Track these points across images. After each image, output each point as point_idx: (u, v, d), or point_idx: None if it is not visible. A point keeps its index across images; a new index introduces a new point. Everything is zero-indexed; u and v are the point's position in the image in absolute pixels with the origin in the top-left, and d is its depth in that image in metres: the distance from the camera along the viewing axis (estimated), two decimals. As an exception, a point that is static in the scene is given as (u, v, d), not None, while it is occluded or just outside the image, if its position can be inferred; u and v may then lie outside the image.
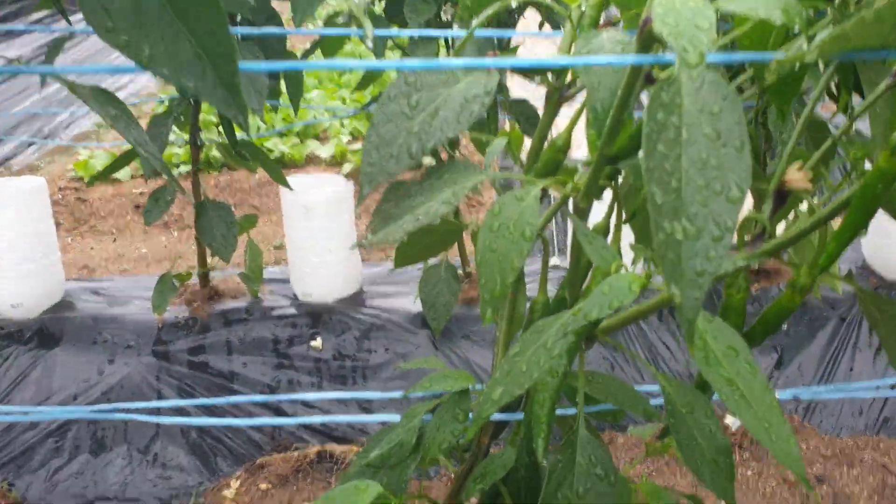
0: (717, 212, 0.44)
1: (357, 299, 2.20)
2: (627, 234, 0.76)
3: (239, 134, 1.97)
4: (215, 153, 3.81)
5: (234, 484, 1.94)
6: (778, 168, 0.68)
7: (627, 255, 0.69)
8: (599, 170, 0.63)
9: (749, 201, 0.58)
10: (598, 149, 0.62)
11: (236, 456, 1.98)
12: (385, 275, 2.37)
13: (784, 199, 0.70)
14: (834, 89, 0.74)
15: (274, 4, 1.73)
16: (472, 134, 1.46)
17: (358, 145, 3.93)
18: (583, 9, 0.69)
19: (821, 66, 0.67)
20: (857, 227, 0.58)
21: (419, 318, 2.10)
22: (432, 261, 2.14)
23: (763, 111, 1.18)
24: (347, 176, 3.86)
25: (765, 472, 1.87)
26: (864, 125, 0.69)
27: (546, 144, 0.75)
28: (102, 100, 0.62)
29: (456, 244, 2.27)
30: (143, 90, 5.26)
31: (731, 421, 1.85)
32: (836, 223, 0.62)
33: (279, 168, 2.03)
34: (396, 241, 0.63)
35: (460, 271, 2.23)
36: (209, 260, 2.18)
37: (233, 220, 2.05)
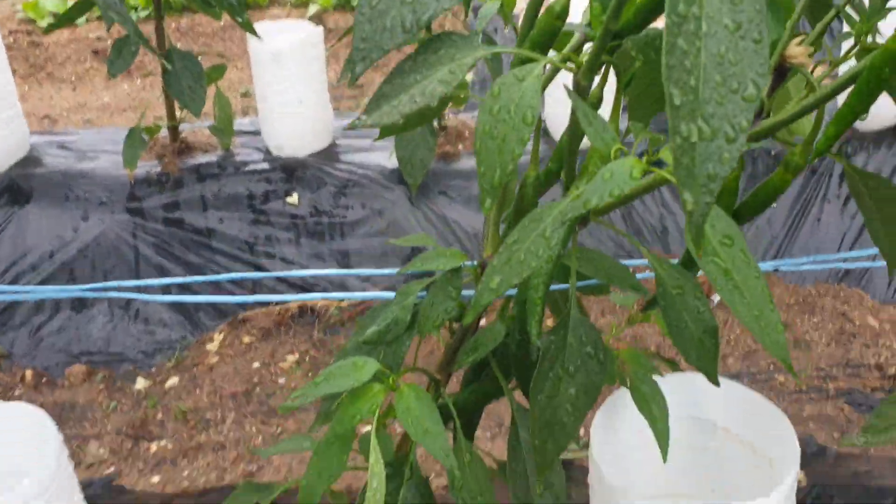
0: (733, 112, 0.43)
1: (331, 153, 2.18)
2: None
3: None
4: (175, -5, 3.63)
5: (218, 338, 1.99)
6: (779, 43, 0.66)
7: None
8: (603, 46, 0.61)
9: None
10: (604, 24, 0.59)
11: (218, 311, 2.01)
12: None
13: (784, 74, 0.68)
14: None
15: None
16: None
17: (324, -14, 3.76)
18: None
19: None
20: (859, 111, 0.58)
21: (395, 173, 2.08)
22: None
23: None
24: (312, 19, 3.71)
25: (730, 320, 1.95)
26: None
27: (543, 10, 0.71)
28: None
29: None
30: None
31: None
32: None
33: (244, 12, 1.93)
34: (391, 123, 0.61)
35: (436, 124, 2.20)
36: (178, 112, 2.13)
37: (200, 72, 1.98)
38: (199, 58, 2.01)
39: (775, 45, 0.66)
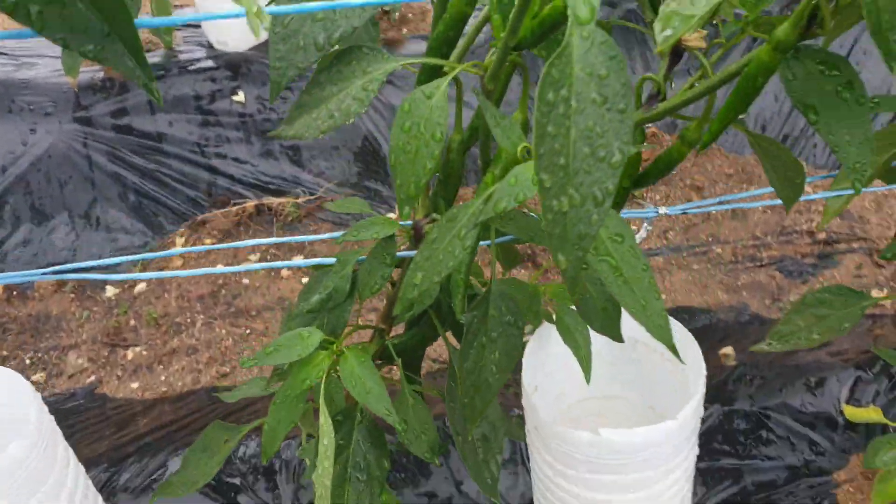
0: (601, 178, 0.48)
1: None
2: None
3: None
4: None
5: (180, 241, 2.04)
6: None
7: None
8: (504, 56, 0.64)
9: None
10: (503, 39, 0.63)
11: (177, 214, 2.06)
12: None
13: (679, 57, 0.73)
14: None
15: None
16: None
17: None
18: None
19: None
20: (738, 110, 0.63)
21: (341, 65, 2.08)
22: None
23: None
24: None
25: (672, 194, 2.03)
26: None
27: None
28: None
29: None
30: None
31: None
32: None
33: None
34: (312, 137, 0.65)
35: (379, 9, 2.18)
36: (113, 14, 2.07)
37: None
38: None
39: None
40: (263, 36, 2.18)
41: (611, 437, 0.86)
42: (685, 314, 1.72)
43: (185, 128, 2.06)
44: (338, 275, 0.83)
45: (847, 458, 1.20)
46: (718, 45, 0.70)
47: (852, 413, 1.20)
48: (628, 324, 1.03)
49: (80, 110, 2.04)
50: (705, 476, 1.19)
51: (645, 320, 0.63)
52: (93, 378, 1.77)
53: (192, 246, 2.03)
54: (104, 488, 1.29)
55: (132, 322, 1.89)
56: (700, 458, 1.23)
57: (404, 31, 2.17)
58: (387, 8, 2.18)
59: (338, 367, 0.81)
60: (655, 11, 0.60)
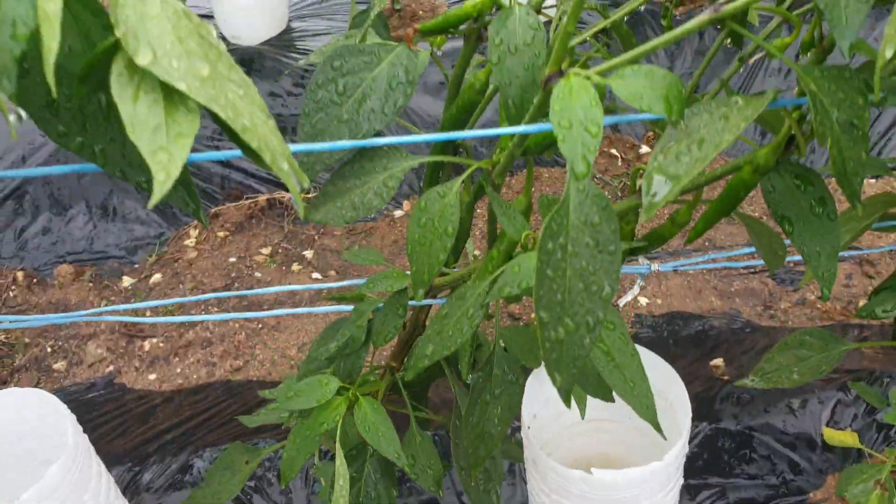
0: (593, 309, 0.55)
1: (287, 40, 2.20)
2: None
3: None
4: None
5: (193, 233, 2.11)
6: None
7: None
8: (511, 160, 0.71)
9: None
10: (511, 147, 0.69)
11: (191, 207, 2.12)
12: (313, 4, 2.33)
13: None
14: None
15: None
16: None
17: None
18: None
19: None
20: (722, 214, 0.70)
21: (352, 63, 2.12)
22: (360, 5, 2.11)
23: None
24: None
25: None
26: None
27: (464, 84, 0.80)
28: None
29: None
30: None
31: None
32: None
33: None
34: (336, 224, 0.72)
35: (390, 4, 2.21)
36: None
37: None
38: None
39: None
40: (277, 28, 2.22)
41: (602, 476, 0.94)
42: (680, 320, 1.80)
43: (200, 122, 2.11)
44: (354, 324, 0.91)
45: (824, 479, 1.28)
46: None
47: (830, 436, 1.28)
48: (621, 358, 1.10)
49: (97, 103, 2.09)
50: (692, 492, 1.28)
51: (633, 401, 0.70)
52: (111, 368, 1.86)
53: (205, 239, 2.11)
54: (128, 488, 1.38)
55: (148, 313, 1.97)
56: (688, 474, 1.32)
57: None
58: (398, 6, 2.22)
59: (353, 410, 0.89)
60: None
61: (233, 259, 2.06)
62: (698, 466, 1.31)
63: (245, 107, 0.45)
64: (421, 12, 2.25)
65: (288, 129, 2.13)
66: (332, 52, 0.71)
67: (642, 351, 1.08)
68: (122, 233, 2.11)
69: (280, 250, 2.08)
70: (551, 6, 0.80)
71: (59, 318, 0.93)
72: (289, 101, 2.13)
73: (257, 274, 2.03)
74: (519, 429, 1.31)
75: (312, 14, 2.31)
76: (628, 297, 0.94)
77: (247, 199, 2.12)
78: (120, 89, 0.41)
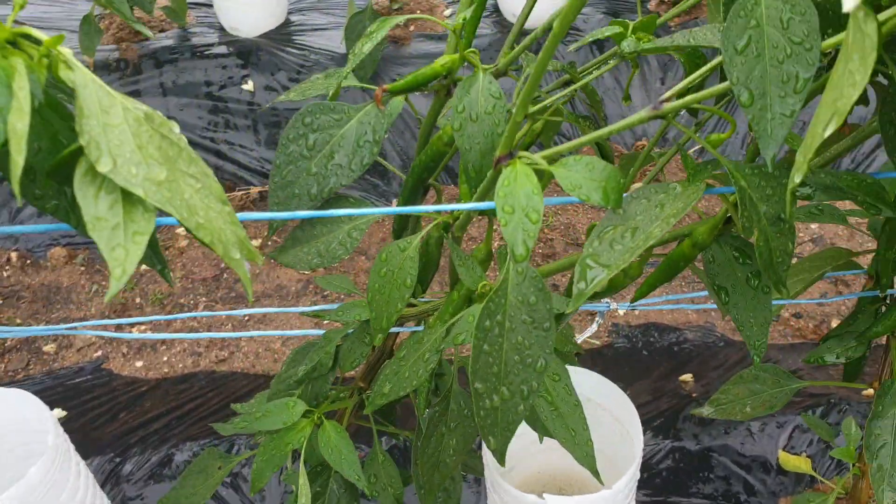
0: (528, 379, 0.59)
1: (285, 33, 2.22)
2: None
3: None
4: None
5: (186, 221, 2.15)
6: (629, 178, 0.80)
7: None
8: (470, 218, 0.75)
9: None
10: (476, 195, 0.73)
11: (184, 196, 2.16)
12: (313, -1, 2.35)
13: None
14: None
15: None
16: None
17: None
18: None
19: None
20: (661, 282, 0.74)
21: (346, 57, 2.15)
22: (359, 3, 2.13)
23: None
24: None
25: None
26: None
27: (433, 136, 0.84)
28: None
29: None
30: None
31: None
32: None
33: None
34: (301, 269, 0.76)
35: (388, 3, 2.23)
36: (130, -4, 2.14)
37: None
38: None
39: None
40: (276, 20, 2.25)
41: (553, 502, 0.99)
42: (655, 331, 1.84)
43: (195, 112, 2.15)
44: (323, 350, 0.95)
45: (776, 501, 1.33)
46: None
47: (785, 460, 1.33)
48: (586, 384, 1.15)
49: (95, 89, 2.12)
50: (648, 507, 1.33)
51: (573, 449, 0.75)
52: (99, 353, 1.91)
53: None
54: (108, 479, 1.44)
55: (138, 300, 2.02)
56: (646, 490, 1.37)
57: (411, 28, 2.23)
58: (395, 6, 2.24)
59: (318, 433, 0.93)
60: None
61: (223, 249, 2.10)
62: (657, 483, 1.36)
63: (200, 202, 0.48)
64: (418, 11, 2.27)
65: (282, 122, 2.16)
66: (304, 110, 0.74)
67: (604, 382, 1.12)
68: (115, 218, 2.14)
69: (270, 242, 2.12)
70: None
71: (42, 330, 0.97)
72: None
73: (246, 265, 2.07)
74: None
75: (311, 8, 2.33)
76: (587, 334, 0.98)
77: (239, 190, 2.16)
78: (83, 189, 0.45)
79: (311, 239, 0.77)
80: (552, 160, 0.62)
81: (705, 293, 0.99)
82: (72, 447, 1.15)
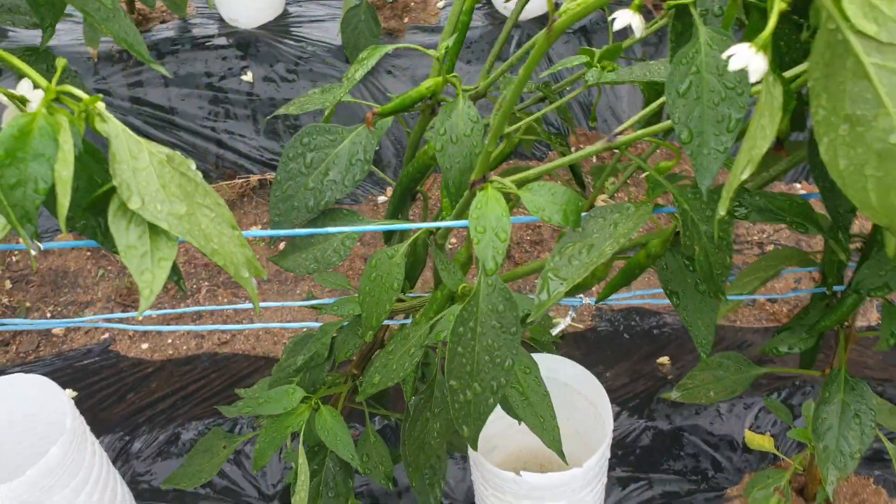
0: (497, 376, 0.68)
1: (283, 25, 2.29)
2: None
3: None
4: None
5: (188, 208, 2.23)
6: (592, 196, 0.89)
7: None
8: (450, 230, 0.83)
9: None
10: (453, 213, 0.82)
11: (186, 184, 2.23)
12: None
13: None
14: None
15: None
16: None
17: None
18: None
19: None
20: (621, 286, 0.82)
21: (343, 50, 2.22)
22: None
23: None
24: None
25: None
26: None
27: (419, 150, 0.92)
28: None
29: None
30: None
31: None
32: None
33: None
34: (299, 273, 0.85)
35: (382, -2, 2.30)
36: (132, -12, 2.20)
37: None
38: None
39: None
40: (274, 12, 2.31)
41: (529, 479, 1.08)
42: (637, 315, 1.93)
43: (196, 102, 2.22)
44: (319, 341, 1.04)
45: (741, 477, 1.43)
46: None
47: (751, 439, 1.42)
48: (563, 371, 1.25)
49: (98, 80, 2.20)
50: (623, 483, 1.43)
51: (541, 433, 0.84)
52: (106, 335, 2.00)
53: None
54: (119, 456, 1.53)
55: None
56: (620, 467, 1.47)
57: (405, 20, 2.30)
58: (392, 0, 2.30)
59: (315, 416, 1.03)
60: None
61: (223, 235, 2.18)
62: (630, 461, 1.45)
63: (214, 229, 0.57)
64: (413, 3, 2.34)
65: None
66: (302, 131, 0.82)
67: (580, 370, 1.22)
68: (119, 204, 2.22)
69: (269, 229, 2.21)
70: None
71: (55, 323, 1.06)
72: (282, 85, 2.23)
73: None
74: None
75: (308, -2, 2.40)
76: (561, 326, 1.07)
77: (239, 178, 2.24)
78: (115, 223, 0.54)
79: (309, 246, 0.86)
80: (521, 184, 0.70)
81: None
82: (87, 428, 1.24)
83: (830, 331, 1.11)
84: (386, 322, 1.08)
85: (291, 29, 2.28)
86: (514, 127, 0.84)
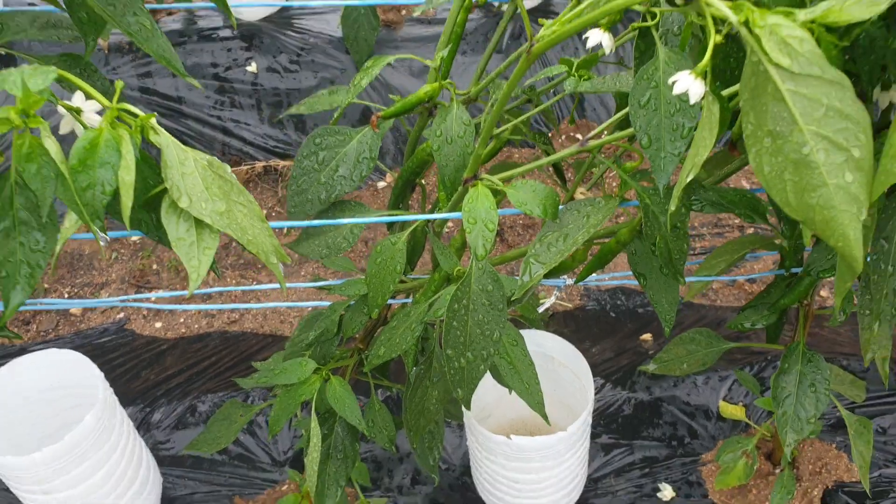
0: (486, 346, 0.79)
1: (285, 17, 2.38)
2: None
3: None
4: None
5: (196, 194, 2.33)
6: (571, 190, 1.00)
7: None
8: (445, 220, 0.94)
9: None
10: (448, 206, 0.93)
11: (194, 170, 2.34)
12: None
13: (576, 203, 1.02)
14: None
15: None
16: None
17: None
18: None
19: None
20: (598, 268, 0.94)
21: (343, 42, 2.32)
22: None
23: None
24: None
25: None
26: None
27: (419, 147, 1.03)
28: None
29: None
30: None
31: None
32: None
33: None
34: (313, 258, 0.96)
35: (381, -9, 2.39)
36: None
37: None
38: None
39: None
40: (276, 7, 2.41)
41: (518, 441, 1.20)
42: (622, 295, 2.05)
43: (203, 92, 2.32)
44: (329, 318, 1.15)
45: (715, 443, 1.55)
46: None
47: (724, 408, 1.54)
48: (550, 346, 1.36)
49: (109, 70, 2.29)
50: (606, 449, 1.55)
51: (527, 398, 0.95)
52: (122, 315, 2.11)
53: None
54: (140, 425, 1.65)
55: (155, 266, 2.21)
56: (604, 434, 1.59)
57: (403, 12, 2.39)
58: (388, -9, 2.40)
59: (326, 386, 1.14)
60: None
61: (231, 219, 2.29)
62: (613, 428, 1.57)
63: (248, 222, 0.68)
64: (410, -5, 2.43)
65: (283, 102, 2.34)
66: (315, 133, 0.93)
67: (566, 344, 1.33)
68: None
69: (274, 213, 2.31)
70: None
71: (84, 303, 1.17)
72: (286, 76, 2.33)
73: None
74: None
75: (309, -10, 2.49)
76: (547, 305, 1.18)
77: (245, 165, 2.34)
78: (167, 218, 0.65)
79: (320, 234, 0.97)
80: (507, 180, 0.81)
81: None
82: (116, 399, 1.36)
83: (793, 308, 1.23)
84: (389, 302, 1.19)
85: (293, 21, 2.37)
86: (503, 129, 0.95)
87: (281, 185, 2.35)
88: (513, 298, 0.77)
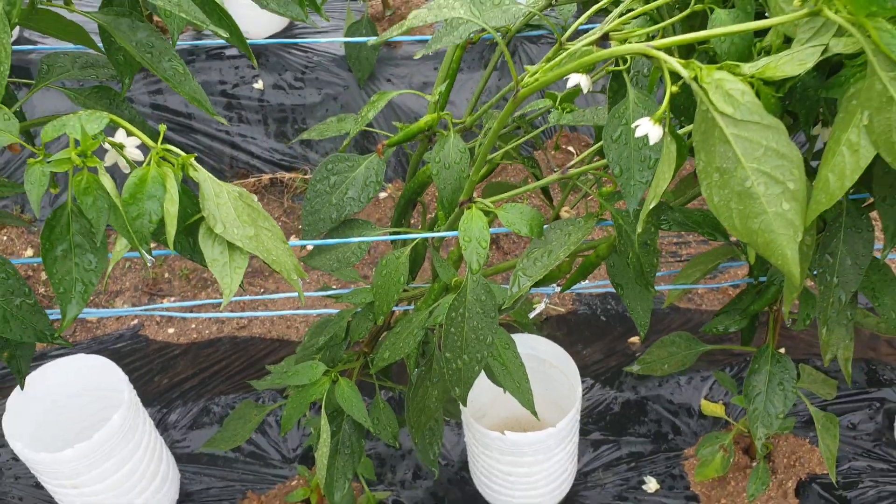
0: (480, 350, 0.90)
1: (290, 35, 2.49)
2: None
3: None
4: None
5: (205, 205, 2.44)
6: (556, 209, 1.10)
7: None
8: (443, 238, 1.05)
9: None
10: (446, 225, 1.03)
11: (203, 183, 2.45)
12: None
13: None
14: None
15: None
16: None
17: None
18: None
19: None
20: (581, 278, 1.04)
21: (346, 60, 2.43)
22: (354, 9, 2.41)
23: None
24: None
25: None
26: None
27: (419, 170, 1.13)
28: None
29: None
30: None
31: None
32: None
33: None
34: (326, 271, 1.07)
35: (381, 9, 2.50)
36: None
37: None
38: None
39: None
40: (281, 22, 2.52)
41: (512, 437, 1.31)
42: (612, 299, 2.15)
43: (214, 114, 2.43)
44: (337, 325, 1.26)
45: (697, 439, 1.66)
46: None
47: (706, 406, 1.65)
48: (542, 349, 1.47)
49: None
50: (595, 445, 1.66)
51: (518, 395, 1.06)
52: (136, 321, 2.22)
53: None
54: (158, 425, 1.76)
55: (167, 275, 2.32)
56: (593, 430, 1.69)
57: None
58: (389, 12, 2.51)
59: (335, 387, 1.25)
60: None
61: (239, 229, 2.40)
62: (602, 425, 1.68)
63: (272, 244, 0.79)
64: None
65: (288, 117, 2.45)
66: (327, 160, 1.04)
67: (556, 347, 1.44)
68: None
69: (280, 223, 2.42)
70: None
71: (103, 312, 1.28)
72: (291, 92, 2.44)
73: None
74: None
75: (313, 11, 2.59)
76: (537, 311, 1.29)
77: (252, 178, 2.45)
78: (203, 241, 0.75)
79: (332, 249, 1.08)
80: (499, 202, 0.92)
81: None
82: (139, 401, 1.47)
83: (765, 313, 1.34)
84: (393, 309, 1.30)
85: (299, 39, 2.48)
86: (495, 154, 1.05)
87: (286, 196, 2.46)
88: (504, 307, 0.88)
